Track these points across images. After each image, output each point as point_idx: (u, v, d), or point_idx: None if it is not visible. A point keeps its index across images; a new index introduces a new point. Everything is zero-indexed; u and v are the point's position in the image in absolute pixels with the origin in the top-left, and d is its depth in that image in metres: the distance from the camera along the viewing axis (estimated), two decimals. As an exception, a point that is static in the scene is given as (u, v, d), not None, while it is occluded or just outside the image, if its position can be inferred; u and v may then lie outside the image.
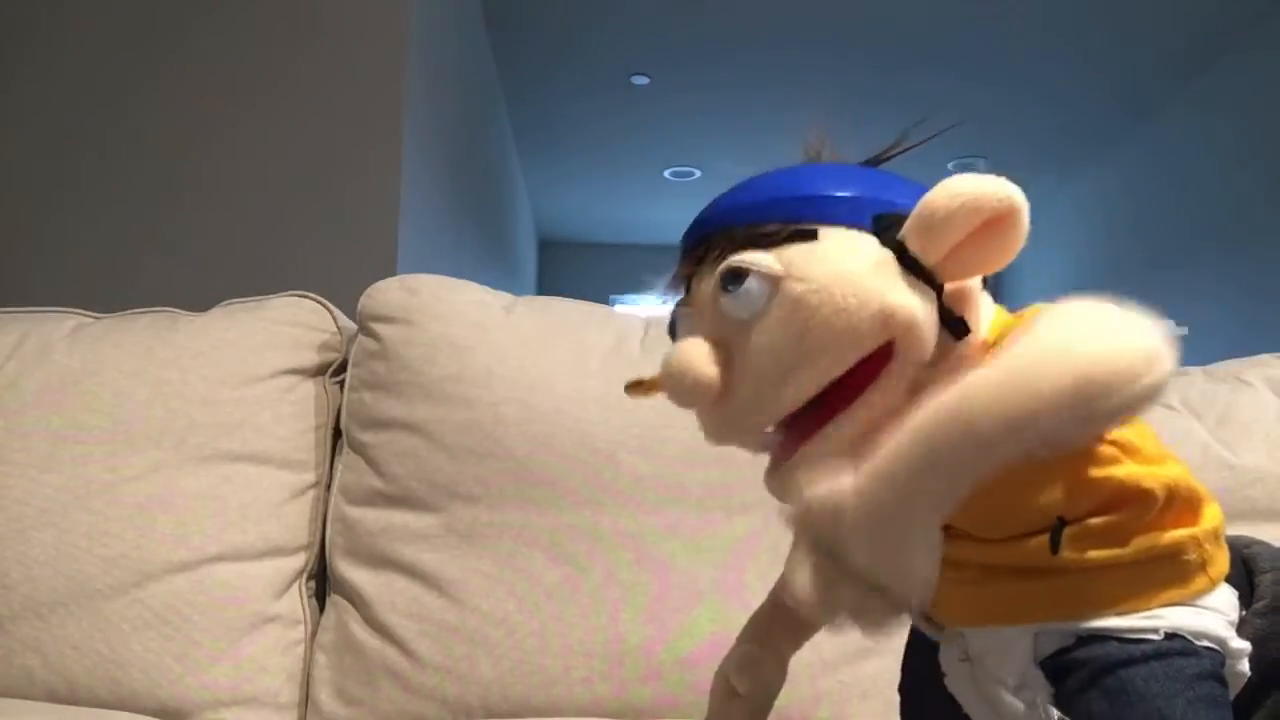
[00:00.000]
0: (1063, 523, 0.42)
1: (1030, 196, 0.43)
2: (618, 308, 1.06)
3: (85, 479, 0.89)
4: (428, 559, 0.88)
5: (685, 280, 0.48)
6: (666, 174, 5.11)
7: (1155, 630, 0.41)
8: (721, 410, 0.45)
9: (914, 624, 0.52)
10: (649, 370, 0.99)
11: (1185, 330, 2.69)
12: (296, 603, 0.92)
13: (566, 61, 3.87)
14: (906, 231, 0.43)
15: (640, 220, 5.76)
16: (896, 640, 0.53)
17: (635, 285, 5.95)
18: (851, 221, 0.44)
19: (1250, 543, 0.48)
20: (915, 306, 0.42)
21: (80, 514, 0.88)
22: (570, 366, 0.93)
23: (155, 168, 2.05)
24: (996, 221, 0.42)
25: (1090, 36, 3.61)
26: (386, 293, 0.97)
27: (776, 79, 3.96)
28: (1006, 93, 4.02)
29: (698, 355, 0.45)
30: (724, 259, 0.44)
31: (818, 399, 0.44)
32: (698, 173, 5.03)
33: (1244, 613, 0.45)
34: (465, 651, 0.85)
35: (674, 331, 0.50)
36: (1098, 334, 0.39)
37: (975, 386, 0.39)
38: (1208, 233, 3.86)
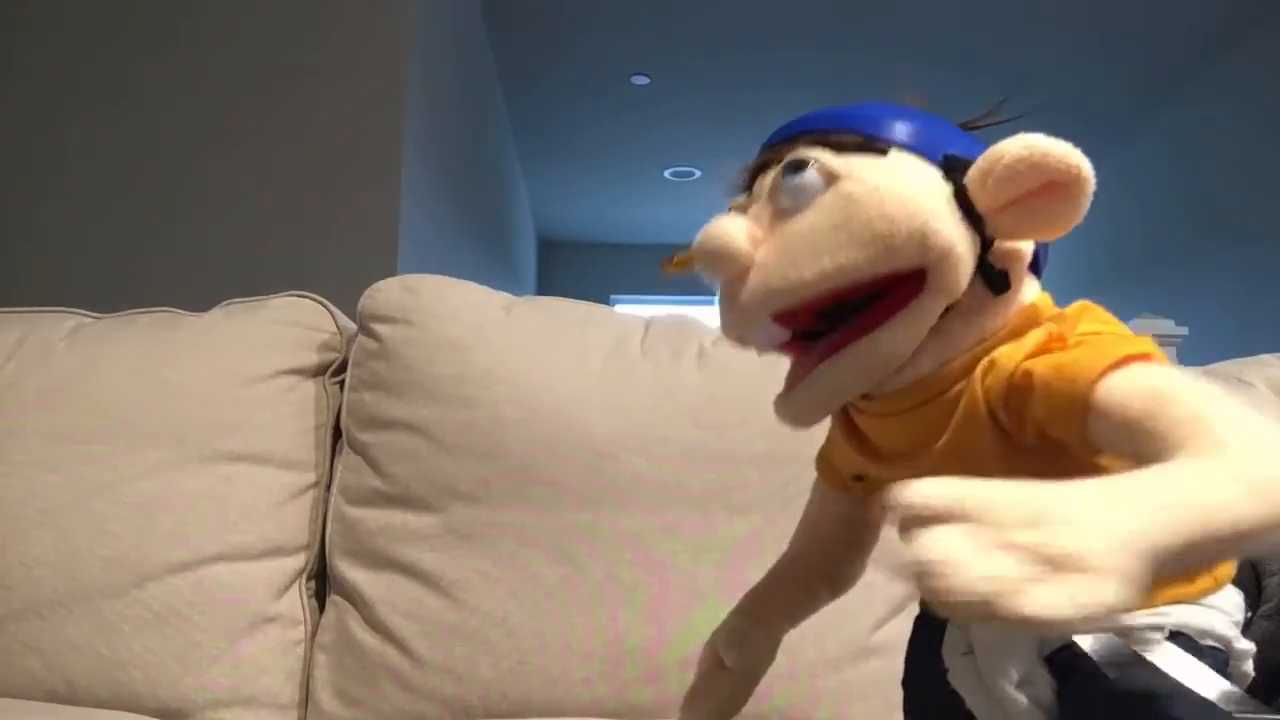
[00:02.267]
0: None
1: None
2: (618, 308, 1.06)
3: (85, 479, 0.89)
4: (428, 559, 0.88)
5: (751, 178, 0.49)
6: (666, 174, 5.11)
7: (1160, 628, 0.41)
8: (743, 286, 0.45)
9: (919, 616, 0.52)
10: (649, 370, 0.99)
11: (1185, 330, 2.69)
12: (296, 603, 0.92)
13: (566, 62, 3.87)
14: (971, 174, 0.43)
15: (640, 220, 5.75)
16: (899, 640, 0.53)
17: (635, 285, 5.96)
18: (922, 152, 0.45)
19: None
20: (956, 239, 0.42)
21: (80, 514, 0.88)
22: (570, 366, 0.93)
23: (156, 168, 2.05)
24: (1058, 186, 0.41)
25: (1092, 33, 3.60)
26: (386, 293, 0.97)
27: (777, 79, 3.96)
28: (1008, 91, 4.01)
29: (732, 225, 0.45)
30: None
31: (839, 321, 0.44)
32: (698, 173, 5.03)
33: (1251, 615, 0.45)
34: (465, 651, 0.85)
35: None
36: None
37: (1212, 492, 0.33)
38: (1208, 231, 3.86)
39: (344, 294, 1.09)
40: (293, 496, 0.94)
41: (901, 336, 0.43)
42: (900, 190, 0.43)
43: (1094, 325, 0.42)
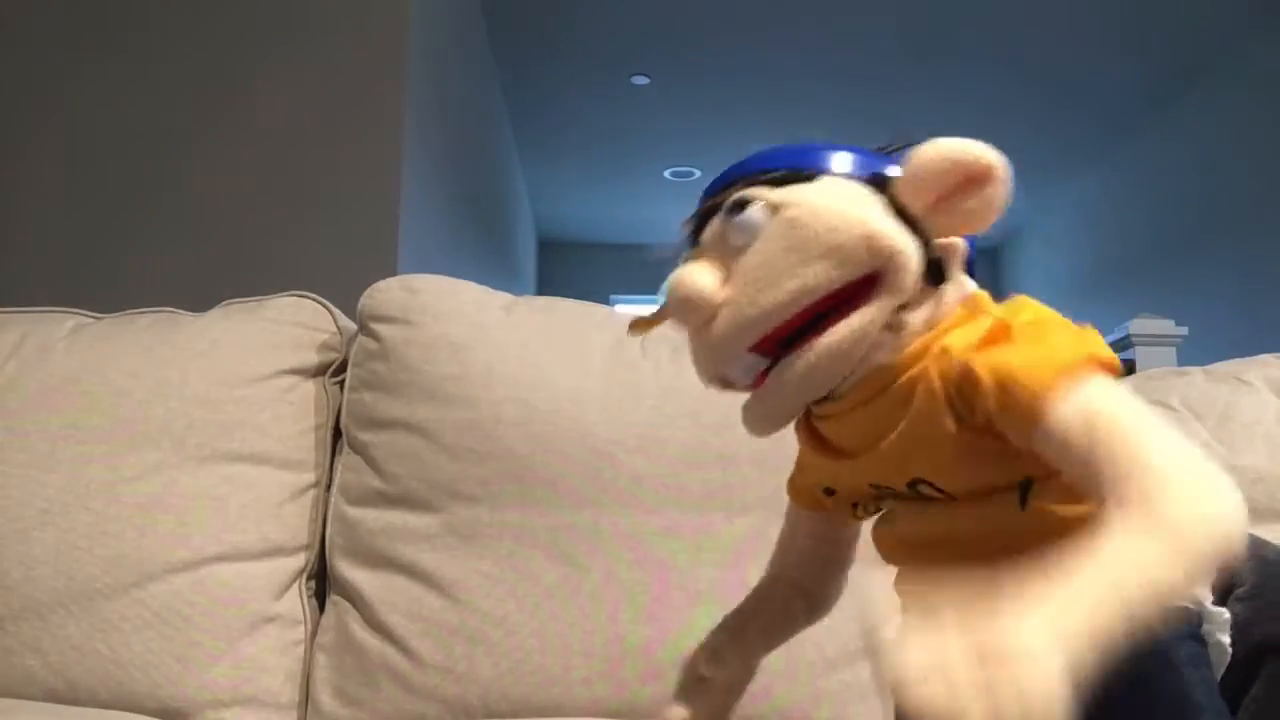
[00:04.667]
0: (1030, 480, 0.44)
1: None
2: (618, 308, 1.06)
3: (85, 479, 0.89)
4: (428, 559, 0.88)
5: (697, 233, 0.52)
6: (666, 174, 5.11)
7: None
8: (713, 326, 0.48)
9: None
10: (649, 370, 0.99)
11: (1186, 330, 2.69)
12: (296, 603, 0.92)
13: (567, 62, 3.87)
14: (895, 182, 0.47)
15: (640, 220, 5.76)
16: (897, 640, 0.54)
17: (635, 285, 5.96)
18: (849, 174, 0.48)
19: None
20: (899, 239, 0.45)
21: (80, 514, 0.88)
22: (570, 366, 0.93)
23: (156, 167, 2.05)
24: (976, 179, 0.45)
25: (1094, 37, 3.61)
26: (386, 293, 0.97)
27: (776, 79, 3.96)
28: (1007, 92, 4.02)
29: (696, 269, 0.48)
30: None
31: (802, 330, 0.46)
32: (698, 173, 5.03)
33: (1227, 600, 0.46)
34: (465, 651, 0.85)
35: None
36: (1223, 509, 0.39)
37: (1130, 561, 0.36)
38: (1207, 233, 3.86)
39: (344, 294, 1.09)
40: (293, 496, 0.94)
41: (857, 329, 0.45)
42: (837, 205, 0.46)
43: (1030, 315, 0.46)
